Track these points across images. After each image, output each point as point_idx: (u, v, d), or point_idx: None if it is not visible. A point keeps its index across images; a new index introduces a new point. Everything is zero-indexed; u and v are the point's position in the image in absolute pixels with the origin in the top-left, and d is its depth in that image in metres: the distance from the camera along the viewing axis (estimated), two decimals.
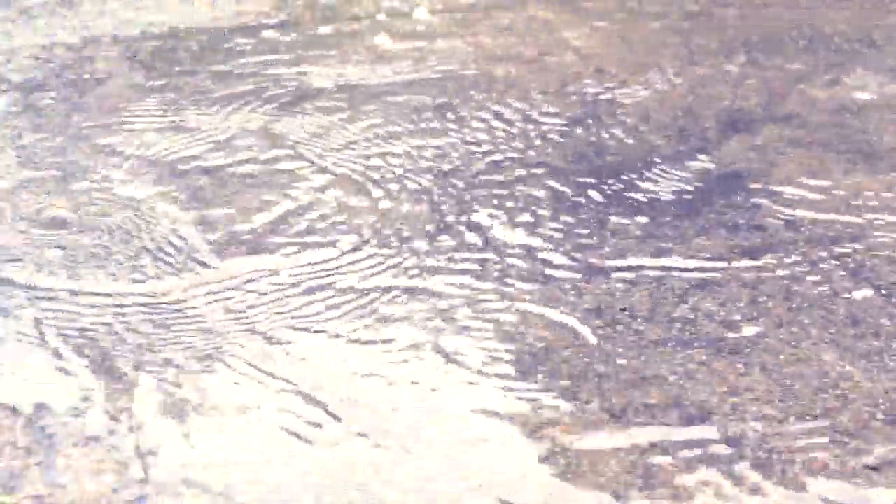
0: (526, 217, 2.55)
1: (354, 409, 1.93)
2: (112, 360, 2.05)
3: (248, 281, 2.30)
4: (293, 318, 2.19)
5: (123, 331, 2.15)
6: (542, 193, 2.65)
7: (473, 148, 2.85)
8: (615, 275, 2.35)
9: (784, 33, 3.59)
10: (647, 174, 2.74)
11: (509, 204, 2.60)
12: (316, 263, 2.36)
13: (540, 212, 2.57)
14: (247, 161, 2.77)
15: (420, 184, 2.69)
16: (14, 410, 1.92)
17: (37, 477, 1.79)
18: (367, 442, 1.86)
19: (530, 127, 2.95)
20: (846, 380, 2.05)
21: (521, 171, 2.73)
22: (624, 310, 2.23)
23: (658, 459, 1.86)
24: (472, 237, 2.48)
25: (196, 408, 1.95)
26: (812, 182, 2.71)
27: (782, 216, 2.57)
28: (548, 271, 2.36)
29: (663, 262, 2.40)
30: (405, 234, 2.49)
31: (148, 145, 2.84)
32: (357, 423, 1.90)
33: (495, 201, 2.61)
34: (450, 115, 3.02)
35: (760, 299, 2.27)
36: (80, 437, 1.87)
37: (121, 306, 2.22)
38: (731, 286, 2.31)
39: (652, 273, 2.36)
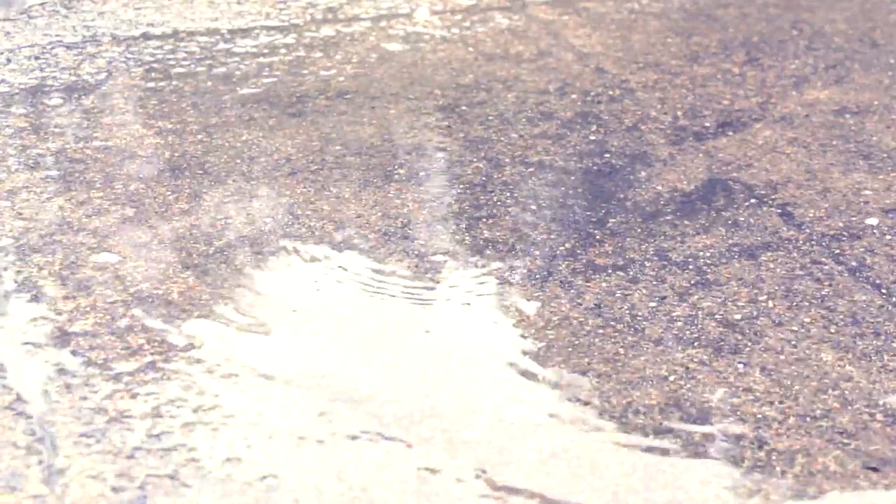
0: (526, 217, 2.55)
1: None
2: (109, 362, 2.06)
3: None
4: None
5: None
6: (541, 193, 2.65)
7: (474, 148, 2.85)
8: (615, 274, 2.35)
9: (784, 33, 3.59)
10: (647, 174, 2.74)
11: (509, 203, 2.60)
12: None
13: (539, 211, 2.57)
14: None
15: (419, 184, 2.69)
16: (15, 410, 1.92)
17: (37, 477, 1.79)
18: None
19: (530, 127, 2.95)
20: (846, 380, 2.05)
21: (521, 171, 2.73)
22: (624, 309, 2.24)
23: (658, 460, 1.86)
24: (471, 237, 2.48)
25: (197, 409, 1.96)
26: (812, 182, 2.71)
27: (782, 216, 2.57)
28: (547, 270, 2.36)
29: (663, 261, 2.40)
30: (408, 234, 2.50)
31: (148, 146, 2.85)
32: None
33: (496, 200, 2.61)
34: (450, 115, 3.02)
35: (760, 299, 2.27)
36: (81, 436, 1.87)
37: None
38: (731, 286, 2.32)
39: (652, 272, 2.36)
